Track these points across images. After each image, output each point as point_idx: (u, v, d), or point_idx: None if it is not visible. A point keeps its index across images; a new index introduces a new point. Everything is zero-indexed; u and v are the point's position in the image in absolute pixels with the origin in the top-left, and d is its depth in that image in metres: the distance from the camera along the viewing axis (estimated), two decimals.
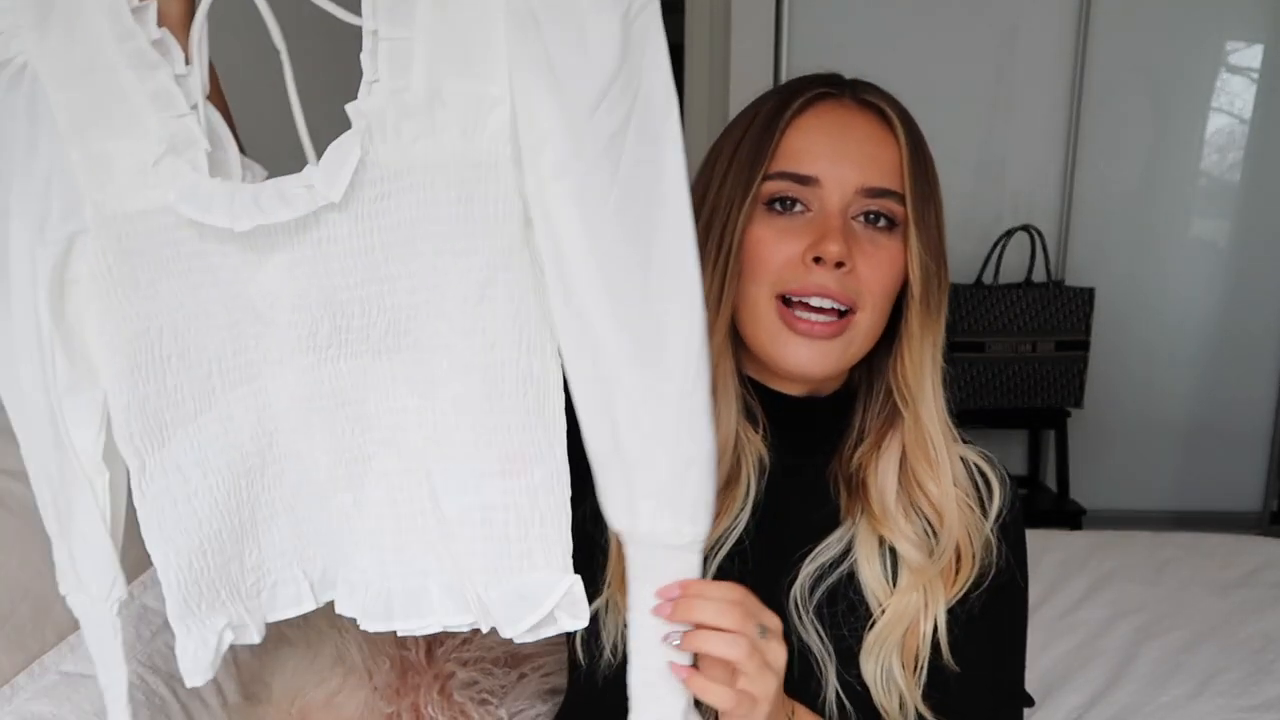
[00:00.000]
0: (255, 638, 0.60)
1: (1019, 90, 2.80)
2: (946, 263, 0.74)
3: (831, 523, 0.75)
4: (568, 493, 0.56)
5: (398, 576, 0.59)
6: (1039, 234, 2.63)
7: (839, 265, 0.68)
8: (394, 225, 0.51)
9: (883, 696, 0.72)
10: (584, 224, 0.51)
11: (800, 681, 0.72)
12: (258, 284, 0.53)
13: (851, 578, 0.74)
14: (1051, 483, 2.87)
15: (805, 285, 0.69)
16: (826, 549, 0.74)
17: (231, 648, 0.77)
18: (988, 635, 0.76)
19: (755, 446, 0.74)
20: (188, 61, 0.54)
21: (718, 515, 0.69)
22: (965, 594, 0.74)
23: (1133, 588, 1.56)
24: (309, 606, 0.61)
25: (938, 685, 0.74)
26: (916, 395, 0.73)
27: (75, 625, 0.74)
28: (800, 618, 0.73)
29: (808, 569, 0.73)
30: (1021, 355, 2.62)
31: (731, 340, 0.73)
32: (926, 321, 0.73)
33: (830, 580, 0.74)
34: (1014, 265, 2.66)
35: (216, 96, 0.58)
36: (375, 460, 0.57)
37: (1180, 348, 2.88)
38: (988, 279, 2.66)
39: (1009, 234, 2.64)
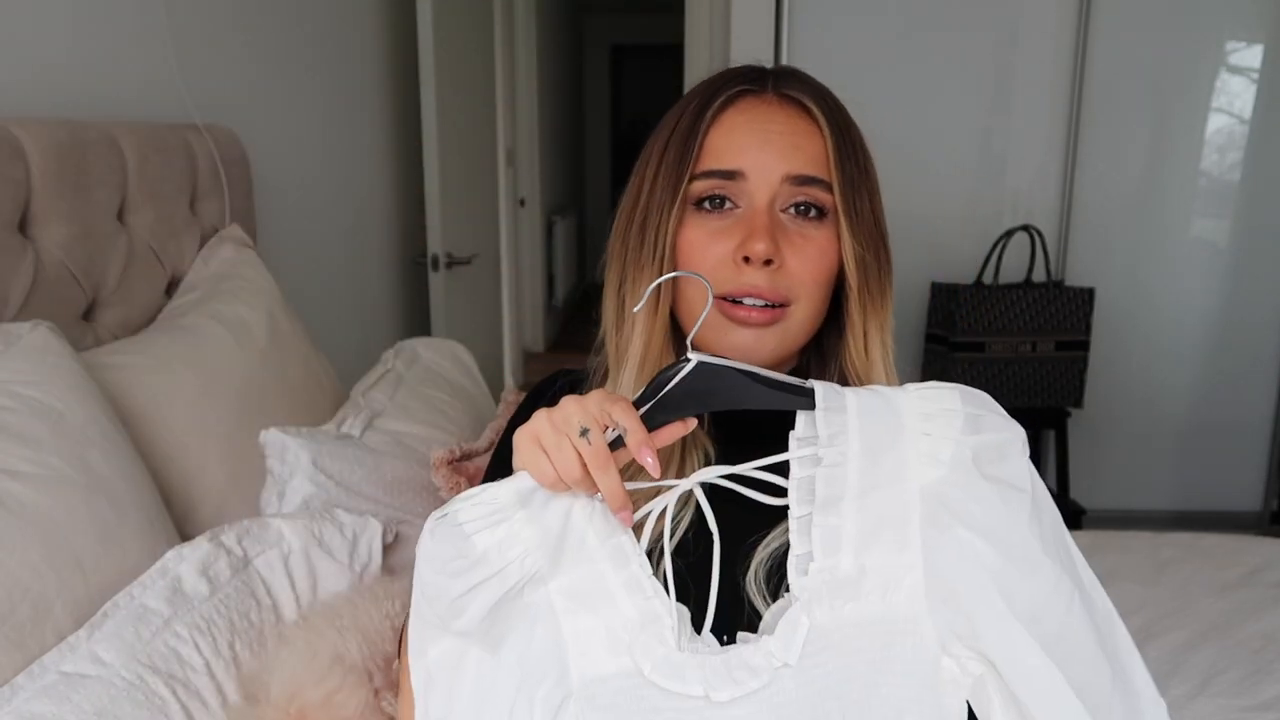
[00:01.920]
0: None
1: (1019, 90, 2.80)
2: (888, 248, 0.75)
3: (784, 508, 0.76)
4: None
5: None
6: (1039, 234, 2.63)
7: (767, 263, 0.69)
8: (828, 674, 0.61)
9: None
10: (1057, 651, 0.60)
11: None
12: None
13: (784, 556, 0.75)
14: (1052, 483, 2.87)
15: (738, 286, 0.70)
16: (780, 534, 0.73)
17: (231, 647, 0.77)
18: None
19: (700, 441, 0.75)
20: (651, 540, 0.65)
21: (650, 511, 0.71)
22: None
23: (1133, 588, 1.56)
24: None
25: None
26: (866, 382, 0.74)
27: (75, 625, 0.74)
28: (756, 604, 0.72)
29: (761, 555, 0.73)
30: (1021, 355, 2.63)
31: (673, 338, 0.75)
32: (869, 310, 0.73)
33: (759, 556, 0.74)
34: (1014, 265, 2.66)
35: None
36: None
37: (1180, 348, 2.88)
38: (988, 279, 2.66)
39: (1009, 234, 2.64)
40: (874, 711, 0.62)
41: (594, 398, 0.63)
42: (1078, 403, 2.69)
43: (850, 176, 0.71)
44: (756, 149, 0.70)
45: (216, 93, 1.58)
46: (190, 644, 0.74)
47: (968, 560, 0.61)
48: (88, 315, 1.19)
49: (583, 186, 7.37)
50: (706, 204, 0.72)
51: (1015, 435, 0.63)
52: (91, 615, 0.75)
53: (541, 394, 0.85)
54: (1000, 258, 2.65)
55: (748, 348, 0.72)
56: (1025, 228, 2.63)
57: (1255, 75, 2.74)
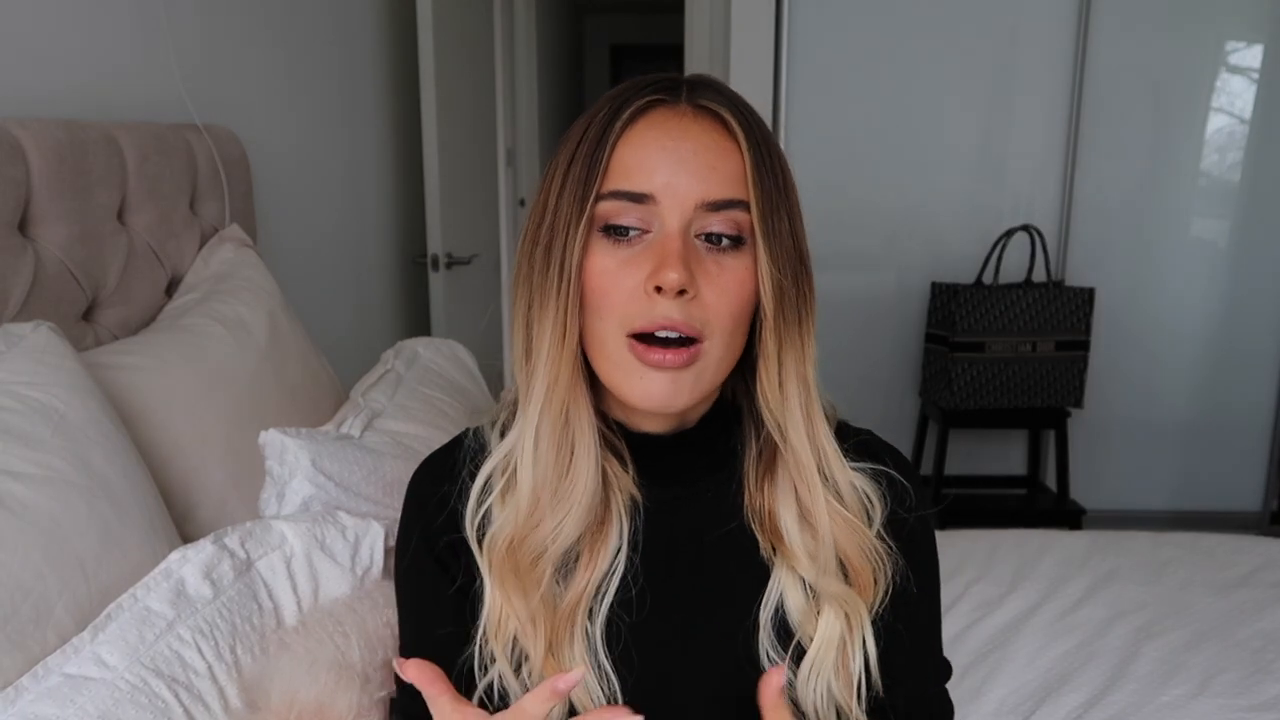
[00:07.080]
0: None
1: (1019, 90, 2.80)
2: (809, 273, 0.70)
3: (738, 548, 0.73)
4: None
5: None
6: (1039, 234, 2.63)
7: (681, 293, 0.64)
8: None
9: None
10: None
11: None
12: None
13: (779, 612, 0.72)
14: (1051, 483, 2.87)
15: (652, 320, 0.65)
16: (747, 591, 0.72)
17: (233, 651, 0.77)
18: (906, 627, 0.75)
19: (625, 484, 0.71)
20: None
21: (591, 561, 0.69)
22: (882, 604, 0.73)
23: (1133, 588, 1.56)
24: None
25: (872, 687, 0.73)
26: (784, 421, 0.69)
27: (76, 627, 0.74)
28: (741, 662, 0.71)
29: (727, 610, 0.72)
30: (1021, 355, 2.63)
31: (587, 376, 0.70)
32: (784, 340, 0.68)
33: (763, 619, 0.72)
34: (1014, 265, 2.66)
35: None
36: None
37: (1180, 347, 2.88)
38: (988, 279, 2.66)
39: (1009, 234, 2.64)
40: None
41: None
42: (1078, 403, 2.69)
43: (769, 195, 0.66)
44: (670, 170, 0.65)
45: (216, 93, 1.58)
46: (193, 647, 0.74)
47: None
48: (88, 315, 1.19)
49: None
50: (616, 232, 0.66)
51: None
52: (93, 616, 0.75)
53: (421, 504, 0.77)
54: (1000, 258, 2.65)
55: (665, 396, 0.66)
56: (1025, 228, 2.63)
57: (1255, 75, 2.74)
